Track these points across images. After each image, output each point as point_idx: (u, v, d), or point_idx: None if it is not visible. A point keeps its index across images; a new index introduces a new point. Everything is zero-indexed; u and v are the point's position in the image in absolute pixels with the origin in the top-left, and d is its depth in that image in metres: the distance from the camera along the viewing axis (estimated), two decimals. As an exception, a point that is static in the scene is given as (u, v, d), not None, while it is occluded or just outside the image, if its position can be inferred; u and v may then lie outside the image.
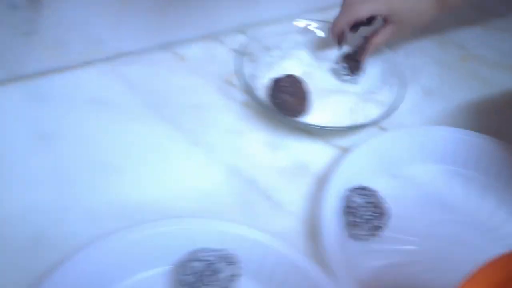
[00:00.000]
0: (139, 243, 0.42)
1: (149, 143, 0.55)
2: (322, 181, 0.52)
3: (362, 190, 0.49)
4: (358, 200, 0.48)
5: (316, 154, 0.56)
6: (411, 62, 0.70)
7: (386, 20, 0.60)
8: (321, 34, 0.67)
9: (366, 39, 0.62)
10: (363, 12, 0.58)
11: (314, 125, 0.56)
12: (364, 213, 0.47)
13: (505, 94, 0.67)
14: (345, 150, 0.56)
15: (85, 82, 0.62)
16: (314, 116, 0.58)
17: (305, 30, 0.67)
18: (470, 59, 0.73)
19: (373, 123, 0.57)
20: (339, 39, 0.61)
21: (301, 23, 0.68)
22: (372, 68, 0.64)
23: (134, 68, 0.64)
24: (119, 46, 0.64)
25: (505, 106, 0.65)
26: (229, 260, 0.41)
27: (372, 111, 0.58)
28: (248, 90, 0.57)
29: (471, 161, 0.54)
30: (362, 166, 0.53)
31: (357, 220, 0.47)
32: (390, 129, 0.59)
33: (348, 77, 0.63)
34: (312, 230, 0.48)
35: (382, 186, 0.51)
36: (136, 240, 0.41)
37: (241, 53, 0.61)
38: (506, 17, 0.83)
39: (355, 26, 0.61)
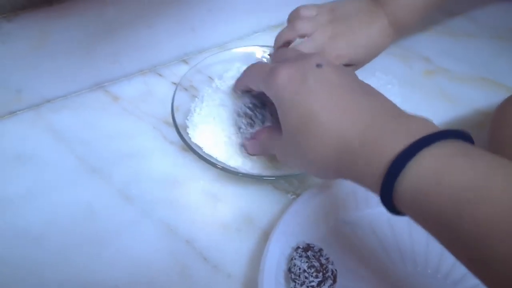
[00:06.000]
0: None
1: (77, 203, 0.50)
2: (267, 237, 0.46)
3: (306, 251, 0.43)
4: (300, 263, 0.42)
5: (263, 203, 0.51)
6: (370, 82, 0.63)
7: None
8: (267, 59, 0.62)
9: None
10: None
11: (256, 175, 0.50)
12: (306, 279, 0.41)
13: (474, 113, 0.61)
14: (297, 196, 0.50)
15: (8, 135, 0.56)
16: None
17: (249, 57, 0.61)
18: (435, 73, 0.67)
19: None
20: None
21: (244, 49, 0.62)
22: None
23: (61, 114, 0.58)
24: (42, 93, 0.59)
25: (475, 126, 0.59)
26: None
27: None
28: (181, 136, 0.51)
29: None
30: (310, 215, 0.47)
31: (299, 287, 0.41)
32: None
33: None
34: (252, 299, 0.42)
35: (333, 237, 0.46)
36: None
37: (180, 87, 0.56)
38: (476, 21, 0.77)
39: None
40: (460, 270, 0.45)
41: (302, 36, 0.54)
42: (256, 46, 0.62)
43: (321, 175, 0.40)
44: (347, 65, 0.54)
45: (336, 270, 0.43)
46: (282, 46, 0.55)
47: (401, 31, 0.56)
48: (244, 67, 0.58)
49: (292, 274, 0.42)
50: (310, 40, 0.53)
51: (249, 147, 0.50)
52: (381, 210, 0.49)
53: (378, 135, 0.33)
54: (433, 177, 0.29)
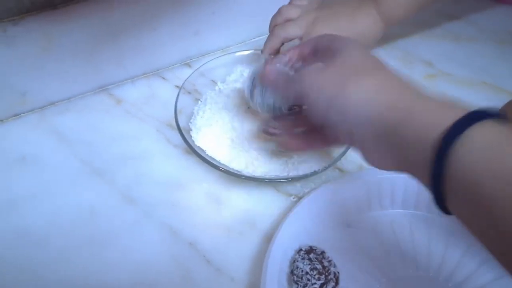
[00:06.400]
0: None
1: (80, 204, 0.50)
2: (270, 240, 0.46)
3: (308, 253, 0.43)
4: (302, 266, 0.42)
5: (266, 206, 0.51)
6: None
7: None
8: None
9: None
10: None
11: (258, 178, 0.50)
12: (309, 281, 0.41)
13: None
14: (299, 199, 0.50)
15: (12, 137, 0.56)
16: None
17: (251, 61, 0.62)
18: (436, 77, 0.67)
19: (329, 165, 0.51)
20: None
21: (247, 53, 0.62)
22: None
23: (65, 117, 0.59)
24: (46, 95, 0.59)
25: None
26: None
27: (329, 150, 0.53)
28: (185, 139, 0.51)
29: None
30: (312, 218, 0.47)
31: (302, 289, 0.41)
32: (349, 171, 0.53)
33: None
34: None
35: (335, 240, 0.47)
36: None
37: (183, 90, 0.57)
38: (477, 25, 0.77)
39: None
40: (461, 273, 0.45)
41: (288, 19, 0.56)
42: (259, 50, 0.62)
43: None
44: None
45: (338, 272, 0.43)
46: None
47: (391, 21, 0.57)
48: (246, 71, 0.59)
49: (295, 276, 0.42)
50: (293, 24, 0.55)
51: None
52: (383, 213, 0.50)
53: (425, 109, 0.32)
54: (491, 149, 0.27)
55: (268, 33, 0.58)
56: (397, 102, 0.34)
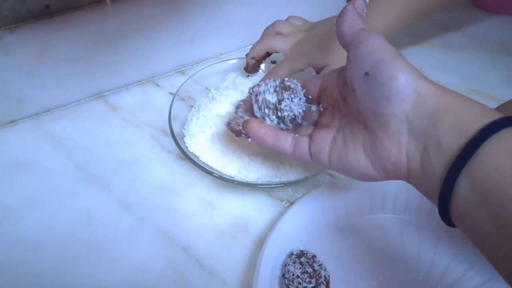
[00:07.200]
0: None
1: (76, 210, 0.51)
2: (262, 244, 0.47)
3: (299, 257, 0.44)
4: (293, 269, 0.43)
5: (258, 211, 0.52)
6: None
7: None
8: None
9: None
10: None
11: (251, 183, 0.51)
12: (300, 284, 0.42)
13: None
14: (291, 204, 0.51)
15: (8, 144, 0.57)
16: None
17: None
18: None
19: (321, 171, 0.52)
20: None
21: (239, 60, 0.63)
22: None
23: (61, 124, 0.60)
24: (42, 102, 0.60)
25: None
26: None
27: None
28: (178, 145, 0.52)
29: (424, 209, 0.50)
30: (304, 223, 0.48)
31: (293, 293, 0.42)
32: (340, 177, 0.54)
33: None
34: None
35: (326, 245, 0.47)
36: None
37: (178, 97, 0.58)
38: (468, 34, 0.79)
39: None
40: (450, 276, 0.46)
41: (279, 33, 0.59)
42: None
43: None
44: (316, 67, 0.56)
45: (329, 276, 0.44)
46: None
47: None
48: (239, 78, 0.60)
49: (286, 280, 0.43)
50: (282, 38, 0.58)
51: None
52: (374, 217, 0.50)
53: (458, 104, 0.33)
54: None
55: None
56: (439, 89, 0.34)
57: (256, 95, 0.45)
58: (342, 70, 0.42)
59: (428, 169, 0.33)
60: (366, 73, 0.35)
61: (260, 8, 0.70)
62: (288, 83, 0.44)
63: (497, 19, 0.81)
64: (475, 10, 0.81)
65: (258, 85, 0.46)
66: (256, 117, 0.46)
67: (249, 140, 0.45)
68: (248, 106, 0.47)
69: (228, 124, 0.46)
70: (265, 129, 0.44)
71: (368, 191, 0.50)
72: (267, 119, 0.44)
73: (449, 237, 0.48)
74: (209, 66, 0.62)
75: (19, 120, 0.59)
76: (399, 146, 0.35)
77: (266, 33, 0.60)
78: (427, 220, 0.50)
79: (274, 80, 0.45)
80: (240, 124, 0.45)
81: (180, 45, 0.66)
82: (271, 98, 0.44)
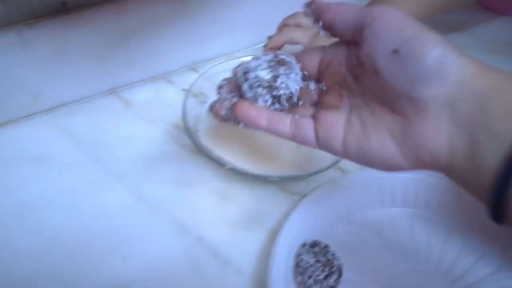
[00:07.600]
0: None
1: (92, 203, 0.52)
2: (275, 235, 0.48)
3: (313, 247, 0.45)
4: (307, 258, 0.44)
5: (271, 203, 0.53)
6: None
7: None
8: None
9: None
10: None
11: (264, 176, 0.52)
12: (313, 273, 0.43)
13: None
14: (303, 197, 0.52)
15: (25, 138, 0.58)
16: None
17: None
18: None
19: (331, 165, 0.53)
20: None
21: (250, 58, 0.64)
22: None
23: (76, 118, 0.61)
24: (58, 97, 0.61)
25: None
26: None
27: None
28: (192, 139, 0.53)
29: (433, 203, 0.51)
30: (316, 215, 0.49)
31: (307, 281, 0.43)
32: (350, 171, 0.55)
33: None
34: (262, 292, 0.44)
35: (338, 236, 0.48)
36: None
37: (190, 93, 0.58)
38: (473, 35, 0.80)
39: None
40: (459, 267, 0.47)
41: (299, 25, 0.60)
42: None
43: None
44: None
45: (342, 264, 0.45)
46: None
47: None
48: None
49: (300, 268, 0.44)
50: (302, 30, 0.58)
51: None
52: (384, 211, 0.52)
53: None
54: None
55: (276, 32, 0.60)
56: (485, 67, 0.29)
57: (245, 73, 0.38)
58: (350, 46, 0.36)
59: (478, 160, 0.28)
60: (395, 51, 0.30)
61: (268, 7, 0.71)
62: (282, 57, 0.38)
63: (502, 20, 0.83)
64: (480, 11, 0.82)
65: (247, 62, 0.39)
66: (245, 98, 0.39)
67: (240, 125, 0.39)
68: (233, 86, 0.40)
69: (212, 107, 0.40)
70: (256, 111, 0.37)
71: (377, 185, 0.51)
72: (260, 99, 0.38)
73: (458, 230, 0.49)
74: (220, 63, 0.63)
75: (35, 114, 0.60)
76: (439, 134, 0.30)
77: (286, 23, 0.59)
78: (436, 214, 0.51)
79: (266, 54, 0.39)
80: (227, 107, 0.39)
81: (192, 43, 0.68)
82: (265, 74, 0.37)
